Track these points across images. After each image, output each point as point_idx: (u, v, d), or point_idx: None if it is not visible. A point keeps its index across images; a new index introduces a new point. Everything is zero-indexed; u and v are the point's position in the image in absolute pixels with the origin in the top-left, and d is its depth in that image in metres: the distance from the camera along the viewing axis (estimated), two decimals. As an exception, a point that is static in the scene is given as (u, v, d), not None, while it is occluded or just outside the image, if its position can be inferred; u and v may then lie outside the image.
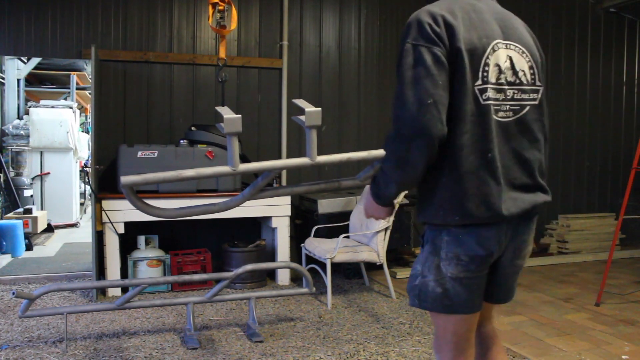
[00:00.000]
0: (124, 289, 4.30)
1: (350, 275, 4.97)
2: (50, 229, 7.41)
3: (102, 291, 4.38)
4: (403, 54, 1.52)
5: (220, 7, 4.00)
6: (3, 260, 5.53)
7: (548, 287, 4.72)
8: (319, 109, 2.13)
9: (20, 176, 7.91)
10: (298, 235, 5.05)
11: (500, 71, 1.57)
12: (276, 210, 4.64)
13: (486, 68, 1.54)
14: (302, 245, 4.63)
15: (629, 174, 4.16)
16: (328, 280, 4.14)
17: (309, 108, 2.14)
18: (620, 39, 6.61)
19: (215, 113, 4.91)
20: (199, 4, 5.04)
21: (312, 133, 2.18)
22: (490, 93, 1.55)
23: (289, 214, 4.70)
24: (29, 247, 6.13)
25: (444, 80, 1.48)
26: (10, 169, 7.89)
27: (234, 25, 4.21)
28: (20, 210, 7.02)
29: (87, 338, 3.42)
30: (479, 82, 1.53)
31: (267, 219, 4.73)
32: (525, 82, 1.62)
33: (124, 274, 4.45)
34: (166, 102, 4.99)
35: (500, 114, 1.57)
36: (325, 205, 4.81)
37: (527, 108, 1.62)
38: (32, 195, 7.77)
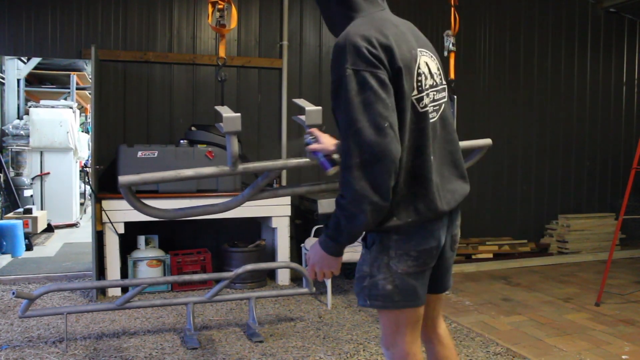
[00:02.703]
0: (124, 289, 4.29)
1: (350, 275, 4.97)
2: (50, 229, 7.41)
3: (102, 291, 4.38)
4: (344, 80, 1.49)
5: (220, 6, 4.00)
6: (3, 260, 5.53)
7: (548, 287, 4.72)
8: (320, 107, 2.13)
9: (20, 176, 7.91)
10: (298, 235, 5.05)
11: (425, 77, 1.65)
12: (276, 210, 4.64)
13: (419, 78, 1.62)
14: (302, 245, 4.63)
15: (629, 174, 4.16)
16: (328, 280, 4.14)
17: (309, 107, 2.14)
18: (620, 39, 6.61)
19: (215, 113, 4.91)
20: (199, 4, 5.04)
21: (313, 133, 2.17)
22: (425, 100, 1.64)
23: (289, 214, 4.70)
24: (29, 247, 6.12)
25: (392, 102, 1.51)
26: (10, 169, 7.89)
27: (233, 24, 4.20)
28: (20, 210, 7.02)
29: (87, 338, 3.42)
30: (415, 92, 1.61)
31: (267, 219, 4.73)
32: (438, 82, 1.72)
33: (124, 274, 4.45)
34: (166, 102, 4.99)
35: (430, 116, 1.66)
36: (325, 205, 4.80)
37: (443, 106, 1.73)
38: (32, 195, 7.77)
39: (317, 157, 1.77)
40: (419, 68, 1.62)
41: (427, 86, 1.65)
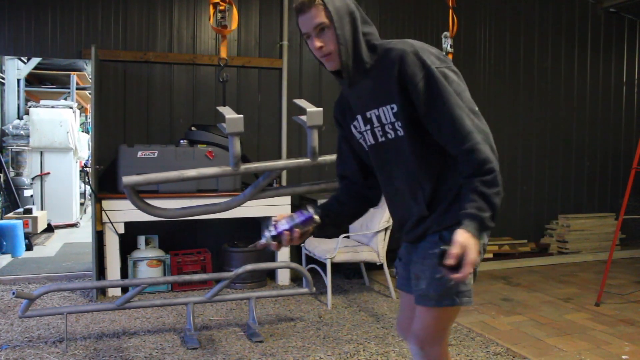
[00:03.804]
0: (124, 289, 4.29)
1: (350, 275, 4.98)
2: (50, 229, 7.41)
3: (102, 291, 4.38)
4: (434, 77, 1.56)
5: (222, 7, 4.00)
6: (3, 260, 5.53)
7: (548, 287, 4.72)
8: (321, 109, 2.14)
9: (20, 176, 7.91)
10: (298, 235, 5.04)
11: None
12: (276, 210, 4.63)
13: None
14: (302, 245, 4.63)
15: (629, 174, 4.16)
16: (328, 280, 4.14)
17: (310, 108, 2.14)
18: (620, 39, 6.61)
19: (215, 113, 4.91)
20: (199, 4, 5.04)
21: (314, 133, 2.18)
22: None
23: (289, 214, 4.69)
24: (29, 247, 6.12)
25: None
26: (10, 169, 7.89)
27: (234, 25, 4.20)
28: (20, 210, 7.02)
29: (87, 338, 3.42)
30: None
31: (267, 219, 4.73)
32: None
33: (124, 274, 4.45)
34: (166, 102, 4.99)
35: None
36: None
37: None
38: (32, 195, 7.77)
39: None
40: None
41: None
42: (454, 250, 1.42)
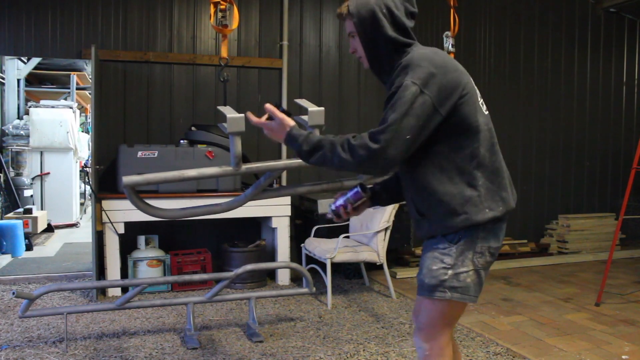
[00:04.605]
0: (124, 289, 4.29)
1: (350, 275, 4.97)
2: (50, 229, 7.41)
3: (102, 291, 4.38)
4: (413, 91, 1.65)
5: (222, 7, 4.00)
6: (3, 260, 5.53)
7: (548, 287, 4.72)
8: (322, 108, 2.14)
9: (20, 176, 7.91)
10: (298, 235, 5.05)
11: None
12: (276, 210, 4.64)
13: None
14: (302, 245, 4.63)
15: (629, 174, 4.17)
16: (328, 280, 4.14)
17: (312, 107, 2.14)
18: (620, 39, 6.61)
19: (215, 113, 4.91)
20: (199, 4, 5.04)
21: (315, 132, 2.18)
22: (484, 106, 1.88)
23: (289, 214, 4.70)
24: (29, 247, 6.12)
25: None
26: (10, 169, 7.89)
27: (235, 24, 4.20)
28: (20, 210, 7.02)
29: (87, 338, 3.42)
30: (479, 98, 1.85)
31: (267, 219, 4.73)
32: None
33: (124, 274, 4.45)
34: (166, 102, 4.99)
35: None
36: (326, 205, 4.80)
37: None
38: (32, 195, 7.77)
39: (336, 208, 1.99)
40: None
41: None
42: (262, 118, 1.85)
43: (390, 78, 1.77)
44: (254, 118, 1.86)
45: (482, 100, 1.85)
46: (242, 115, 2.09)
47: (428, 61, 1.69)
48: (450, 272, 1.76)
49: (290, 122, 1.79)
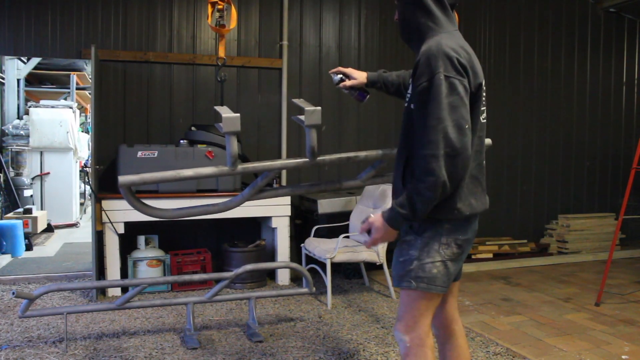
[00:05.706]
0: (124, 289, 4.30)
1: (350, 275, 4.97)
2: (50, 229, 7.41)
3: (102, 291, 4.38)
4: (437, 83, 1.68)
5: (220, 7, 4.00)
6: (3, 260, 5.53)
7: (548, 287, 4.72)
8: (319, 108, 2.14)
9: (20, 176, 7.91)
10: (298, 235, 5.05)
11: (485, 96, 1.90)
12: (276, 210, 4.64)
13: (484, 94, 1.87)
14: (302, 245, 4.63)
15: (629, 174, 4.16)
16: (328, 280, 4.14)
17: (308, 107, 2.14)
18: (620, 39, 6.61)
19: (215, 113, 4.91)
20: (199, 4, 5.04)
21: (312, 132, 2.18)
22: (484, 114, 1.92)
23: (289, 214, 4.70)
24: (29, 247, 6.13)
25: (469, 108, 1.75)
26: (10, 169, 7.90)
27: (233, 24, 4.20)
28: (20, 210, 7.02)
29: (87, 338, 3.42)
30: (483, 107, 1.88)
31: (267, 219, 4.73)
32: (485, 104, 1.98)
33: (124, 274, 4.45)
34: (166, 102, 4.99)
35: (484, 130, 1.94)
36: (325, 205, 4.80)
37: (484, 124, 1.96)
38: (32, 195, 7.77)
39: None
40: (484, 86, 1.87)
41: (485, 104, 1.91)
42: (363, 226, 1.84)
43: (417, 55, 1.82)
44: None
45: (485, 109, 1.90)
46: (238, 114, 2.09)
47: (439, 48, 1.74)
48: (415, 262, 1.81)
49: (377, 216, 1.80)
